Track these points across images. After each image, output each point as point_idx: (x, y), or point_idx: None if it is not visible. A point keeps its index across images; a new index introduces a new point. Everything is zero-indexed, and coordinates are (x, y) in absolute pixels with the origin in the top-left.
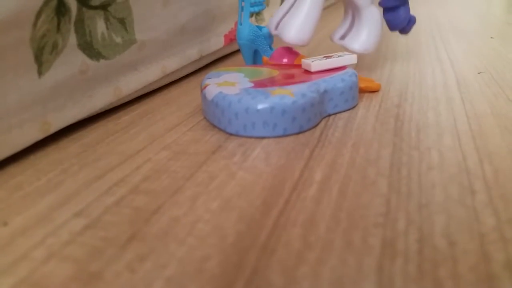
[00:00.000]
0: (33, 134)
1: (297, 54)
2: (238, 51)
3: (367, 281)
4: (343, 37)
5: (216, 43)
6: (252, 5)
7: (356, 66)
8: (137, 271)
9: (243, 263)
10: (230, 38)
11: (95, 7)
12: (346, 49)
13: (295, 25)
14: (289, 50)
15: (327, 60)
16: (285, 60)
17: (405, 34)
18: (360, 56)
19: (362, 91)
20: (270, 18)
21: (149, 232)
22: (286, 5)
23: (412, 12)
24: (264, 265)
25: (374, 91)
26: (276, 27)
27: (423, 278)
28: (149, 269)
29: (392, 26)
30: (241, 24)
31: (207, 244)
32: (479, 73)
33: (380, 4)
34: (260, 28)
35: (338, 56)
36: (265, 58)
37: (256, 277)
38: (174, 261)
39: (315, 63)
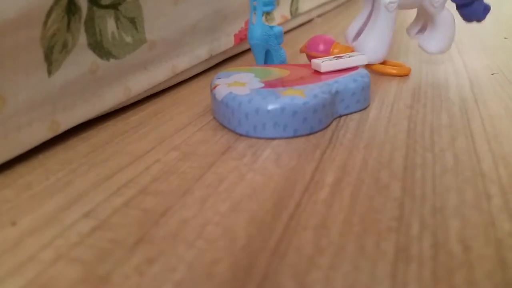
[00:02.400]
0: (42, 133)
1: (332, 41)
2: (248, 50)
3: (381, 287)
4: (418, 33)
5: (226, 42)
6: (265, 4)
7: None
8: (146, 274)
9: (253, 267)
10: (240, 38)
11: (105, 6)
12: (422, 49)
13: (371, 47)
14: (324, 38)
15: (337, 60)
16: (321, 48)
17: (480, 22)
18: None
19: (392, 75)
20: (348, 29)
21: (158, 234)
22: (362, 16)
23: None
24: (275, 270)
25: (404, 75)
26: (354, 39)
27: (438, 284)
28: (158, 272)
29: (468, 18)
30: (253, 24)
31: (217, 247)
32: (492, 74)
33: (453, 0)
34: (271, 27)
35: (349, 57)
36: (302, 47)
37: (267, 281)
38: (183, 264)
39: (325, 64)
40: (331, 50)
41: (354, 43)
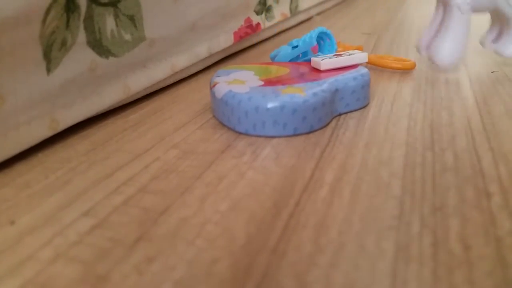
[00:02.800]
0: (42, 132)
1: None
2: (248, 48)
3: (381, 286)
4: (494, 41)
5: (225, 40)
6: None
7: (366, 65)
8: (145, 273)
9: (253, 266)
10: (240, 36)
11: (104, 4)
12: (498, 54)
13: (445, 51)
14: None
15: (337, 58)
16: None
17: None
18: (372, 54)
19: (397, 69)
20: (419, 39)
21: (157, 233)
22: (434, 25)
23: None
24: (274, 269)
25: (409, 69)
26: (427, 48)
27: (438, 283)
28: (157, 271)
29: None
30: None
31: (216, 246)
32: (492, 72)
33: None
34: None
35: (349, 55)
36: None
37: (267, 280)
38: (182, 263)
39: (325, 62)
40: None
41: (426, 52)
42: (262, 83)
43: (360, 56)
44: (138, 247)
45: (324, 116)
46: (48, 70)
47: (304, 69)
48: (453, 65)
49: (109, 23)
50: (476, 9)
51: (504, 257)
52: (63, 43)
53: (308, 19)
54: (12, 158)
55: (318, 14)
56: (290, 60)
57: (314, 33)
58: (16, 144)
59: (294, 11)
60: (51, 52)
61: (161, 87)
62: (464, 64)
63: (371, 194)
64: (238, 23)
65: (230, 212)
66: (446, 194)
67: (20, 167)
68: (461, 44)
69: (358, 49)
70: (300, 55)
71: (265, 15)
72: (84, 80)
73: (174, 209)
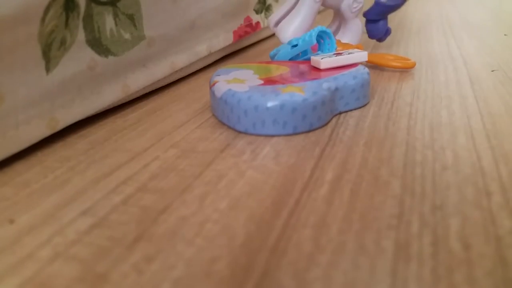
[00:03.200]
0: (41, 131)
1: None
2: (247, 47)
3: (380, 285)
4: (334, 33)
5: (225, 39)
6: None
7: (366, 64)
8: (144, 272)
9: (252, 265)
10: (239, 35)
11: (103, 3)
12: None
13: (292, 28)
14: None
15: (337, 57)
16: None
17: (380, 42)
18: (371, 53)
19: (397, 68)
20: (270, 16)
21: (157, 232)
22: (286, 6)
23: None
24: (274, 268)
25: (410, 68)
26: (276, 25)
27: (438, 283)
28: (157, 270)
29: (371, 35)
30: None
31: (216, 245)
32: (492, 70)
33: (364, 15)
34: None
35: (349, 53)
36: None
37: (266, 279)
38: (182, 262)
39: (325, 60)
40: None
41: (275, 28)
42: (262, 82)
43: (359, 55)
44: (137, 246)
45: (324, 115)
46: (47, 69)
47: (303, 68)
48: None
49: (108, 22)
50: (325, 4)
51: (504, 256)
52: (62, 42)
53: None
54: (11, 157)
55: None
56: (290, 59)
57: (314, 32)
58: (15, 143)
59: None
60: (50, 51)
61: (160, 86)
62: (464, 63)
63: (371, 193)
64: (237, 22)
65: (230, 211)
66: (446, 193)
67: (19, 166)
68: (304, 29)
69: (357, 48)
70: (300, 54)
71: (265, 14)
72: (83, 79)
73: (174, 208)
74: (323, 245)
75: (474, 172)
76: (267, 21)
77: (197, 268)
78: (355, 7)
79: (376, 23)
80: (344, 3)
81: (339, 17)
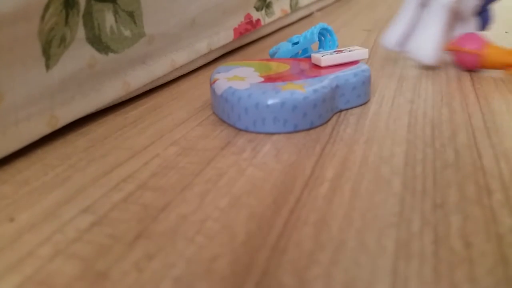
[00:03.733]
0: (41, 128)
1: (484, 41)
2: (247, 44)
3: (381, 283)
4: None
5: (225, 36)
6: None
7: (367, 60)
8: (145, 270)
9: (253, 263)
10: (240, 32)
11: (103, 0)
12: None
13: (429, 47)
14: (477, 36)
15: (338, 54)
16: (474, 45)
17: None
18: (372, 50)
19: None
20: (387, 34)
21: (157, 230)
22: (403, 21)
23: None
24: (275, 266)
25: None
26: (400, 45)
27: (439, 281)
28: (157, 269)
29: (482, 25)
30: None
31: (216, 243)
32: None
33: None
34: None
35: (349, 51)
36: (449, 45)
37: (267, 278)
38: (182, 260)
39: (325, 58)
40: (483, 49)
41: (401, 47)
42: (262, 79)
43: (360, 53)
44: (137, 244)
45: (325, 113)
46: (47, 66)
47: (304, 65)
48: (435, 61)
49: (108, 19)
50: (458, 10)
51: (505, 254)
52: (62, 40)
53: (309, 15)
54: (11, 154)
55: (319, 10)
56: (291, 57)
57: (315, 29)
58: (15, 141)
59: (294, 7)
60: (50, 48)
61: (161, 83)
62: None
63: (372, 191)
64: (238, 19)
65: (230, 208)
66: (447, 191)
67: (19, 164)
68: (442, 40)
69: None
70: (300, 51)
71: (265, 11)
72: (83, 77)
73: (174, 206)
74: (323, 243)
75: (475, 170)
76: (382, 42)
77: (198, 266)
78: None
79: (485, 13)
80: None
81: (451, 21)
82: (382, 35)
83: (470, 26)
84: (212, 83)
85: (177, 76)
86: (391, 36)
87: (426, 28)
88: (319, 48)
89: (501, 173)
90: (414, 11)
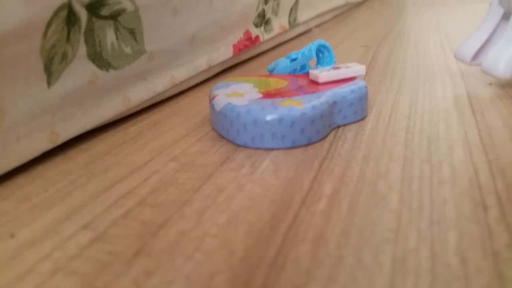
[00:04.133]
0: (42, 144)
1: None
2: (246, 61)
3: None
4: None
5: (225, 53)
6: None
7: (365, 77)
8: (144, 287)
9: (251, 280)
10: (239, 48)
11: (105, 17)
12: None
13: (505, 61)
14: None
15: (335, 71)
16: None
17: None
18: (370, 66)
19: None
20: (462, 47)
21: (156, 247)
22: (482, 35)
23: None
24: (273, 283)
25: None
26: (474, 58)
27: None
28: (156, 285)
29: None
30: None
31: (215, 260)
32: (490, 84)
33: None
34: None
35: (347, 67)
36: None
37: None
38: (181, 277)
39: (323, 74)
40: None
41: (475, 61)
42: (261, 95)
43: (357, 69)
44: (137, 261)
45: (322, 129)
46: (49, 83)
47: (302, 81)
48: (511, 75)
49: (109, 36)
50: None
51: (501, 271)
52: (64, 56)
53: (307, 32)
54: (12, 170)
55: (317, 26)
56: (289, 73)
57: (313, 46)
58: (16, 157)
59: (292, 23)
60: (52, 65)
61: (161, 99)
62: (462, 76)
63: (369, 207)
64: (237, 36)
65: (229, 225)
66: (443, 208)
67: (20, 180)
68: None
69: None
70: (298, 68)
71: (264, 27)
72: (84, 93)
73: (173, 222)
74: (321, 260)
75: (471, 186)
76: (457, 55)
77: (196, 283)
78: None
79: None
80: None
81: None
82: (378, 50)
83: None
84: (211, 99)
85: (177, 92)
86: (467, 49)
87: (505, 41)
88: (317, 64)
89: (497, 190)
90: (495, 24)
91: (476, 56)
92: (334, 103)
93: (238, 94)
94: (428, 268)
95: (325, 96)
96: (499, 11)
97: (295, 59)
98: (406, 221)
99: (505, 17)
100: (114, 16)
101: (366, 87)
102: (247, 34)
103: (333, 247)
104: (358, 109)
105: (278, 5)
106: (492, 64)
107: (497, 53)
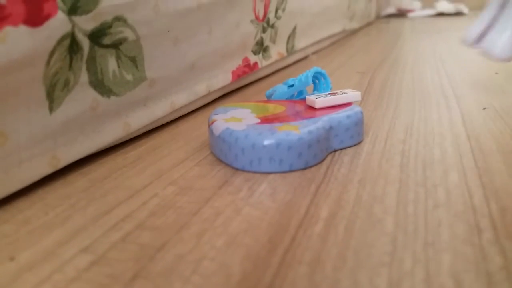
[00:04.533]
0: (43, 169)
1: None
2: (245, 86)
3: None
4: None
5: (224, 79)
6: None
7: (361, 102)
8: None
9: None
10: (238, 74)
11: (106, 46)
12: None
13: (505, 44)
14: None
15: (331, 97)
16: None
17: None
18: (366, 92)
19: None
20: (467, 31)
21: (154, 270)
22: (485, 19)
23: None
24: None
25: None
26: (478, 42)
27: None
28: None
29: None
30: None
31: (212, 283)
32: (484, 108)
33: None
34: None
35: (342, 93)
36: None
37: None
38: None
39: (319, 100)
40: None
41: (478, 45)
42: (259, 120)
43: (353, 95)
44: (135, 284)
45: (319, 153)
46: (51, 109)
47: (299, 107)
48: (509, 57)
49: (111, 64)
50: None
51: None
52: (66, 83)
53: (304, 58)
54: (12, 194)
55: (314, 53)
56: (287, 99)
57: (310, 73)
58: (17, 181)
59: (290, 50)
60: (54, 92)
61: (160, 124)
62: (457, 101)
63: (365, 230)
64: (236, 63)
65: (227, 248)
66: (438, 230)
67: (20, 204)
68: None
69: None
70: (296, 93)
71: (262, 54)
72: (85, 119)
73: (171, 245)
74: (318, 282)
75: (466, 209)
76: (463, 39)
77: None
78: None
79: None
80: None
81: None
82: (374, 76)
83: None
84: (210, 124)
85: (177, 117)
86: (471, 33)
87: (504, 26)
88: (314, 90)
89: (491, 212)
90: (496, 10)
91: (479, 40)
92: (331, 128)
93: (236, 119)
94: None
95: (321, 121)
96: None
97: (292, 85)
98: (401, 244)
99: (502, 5)
100: (115, 45)
101: (361, 112)
102: (246, 60)
103: (329, 270)
104: (354, 133)
105: (276, 33)
106: (490, 47)
107: (495, 37)
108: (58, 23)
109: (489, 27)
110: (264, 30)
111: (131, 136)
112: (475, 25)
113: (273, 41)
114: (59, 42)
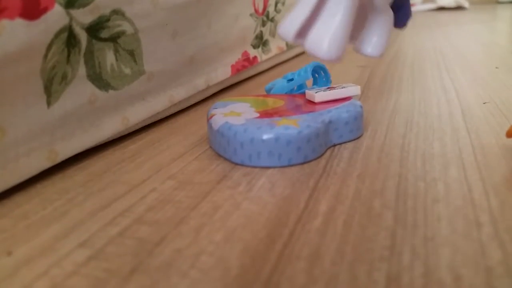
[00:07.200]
0: (41, 163)
1: None
2: (244, 80)
3: None
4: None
5: (223, 73)
6: (288, 81)
7: (360, 96)
8: None
9: None
10: (237, 68)
11: (104, 40)
12: (358, 53)
13: (330, 40)
14: None
15: (331, 91)
16: None
17: (401, 29)
18: (365, 86)
19: None
20: (282, 24)
21: (152, 264)
22: (304, 7)
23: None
24: None
25: None
26: (297, 36)
27: None
28: None
29: (399, 22)
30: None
31: (211, 277)
32: (484, 103)
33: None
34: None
35: (342, 88)
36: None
37: None
38: None
39: (319, 94)
40: None
41: (300, 40)
42: (258, 115)
43: (352, 89)
44: (133, 279)
45: (318, 147)
46: (49, 103)
47: (299, 101)
48: (336, 57)
49: (109, 57)
50: None
51: (494, 287)
52: (64, 77)
53: (304, 52)
54: (10, 189)
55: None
56: (286, 93)
57: (309, 67)
58: (15, 175)
59: (290, 44)
60: (52, 85)
61: (159, 118)
62: (457, 95)
63: (364, 225)
64: (235, 57)
65: (225, 243)
66: (437, 225)
67: (18, 198)
68: (346, 33)
69: None
70: (295, 87)
71: (262, 48)
72: (83, 113)
73: (169, 240)
74: (316, 277)
75: (465, 204)
76: (278, 33)
77: None
78: None
79: (403, 7)
80: None
81: (363, 11)
82: (375, 70)
83: (386, 20)
84: (209, 118)
85: (176, 111)
86: (289, 25)
87: (328, 17)
88: (313, 84)
89: (490, 207)
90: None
91: (300, 33)
92: (330, 122)
93: (235, 113)
94: (421, 285)
95: (320, 116)
96: None
97: (291, 80)
98: (400, 238)
99: None
100: (113, 38)
101: (361, 106)
102: (245, 54)
103: (328, 264)
104: (353, 128)
105: (275, 27)
106: (316, 44)
107: (321, 32)
108: (55, 16)
109: (311, 18)
110: (263, 24)
111: (130, 131)
112: (293, 16)
113: (273, 35)
114: (57, 35)
